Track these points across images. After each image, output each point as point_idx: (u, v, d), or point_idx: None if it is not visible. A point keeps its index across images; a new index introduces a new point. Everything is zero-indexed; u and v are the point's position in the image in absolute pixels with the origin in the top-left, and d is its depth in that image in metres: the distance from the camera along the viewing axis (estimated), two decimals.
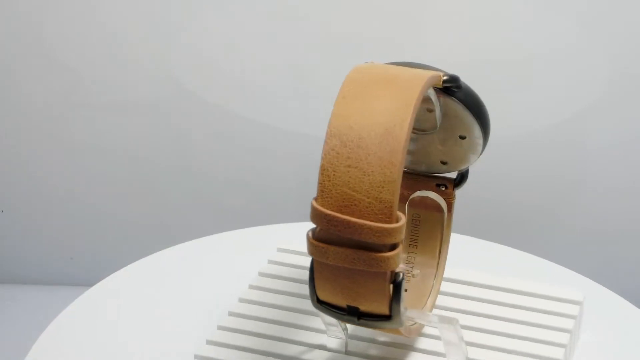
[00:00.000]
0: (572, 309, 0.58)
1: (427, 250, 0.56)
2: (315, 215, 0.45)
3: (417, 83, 0.45)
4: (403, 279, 0.45)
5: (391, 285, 0.45)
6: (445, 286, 0.59)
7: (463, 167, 0.54)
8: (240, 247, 0.70)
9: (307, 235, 0.45)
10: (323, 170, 0.45)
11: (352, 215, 0.44)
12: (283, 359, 0.55)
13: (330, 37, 0.95)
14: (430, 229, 0.56)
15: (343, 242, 0.45)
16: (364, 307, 0.46)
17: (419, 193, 0.55)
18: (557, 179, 0.99)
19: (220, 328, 0.57)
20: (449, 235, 0.56)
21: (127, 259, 0.73)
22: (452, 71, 0.50)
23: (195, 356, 0.55)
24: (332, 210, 0.44)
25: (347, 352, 0.54)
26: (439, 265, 0.56)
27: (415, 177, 0.55)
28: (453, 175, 0.55)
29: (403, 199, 0.56)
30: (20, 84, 1.00)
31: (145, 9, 0.96)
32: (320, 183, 0.45)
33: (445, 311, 0.57)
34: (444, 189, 0.55)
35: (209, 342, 0.56)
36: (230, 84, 0.98)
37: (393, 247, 0.44)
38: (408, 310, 0.50)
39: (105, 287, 0.65)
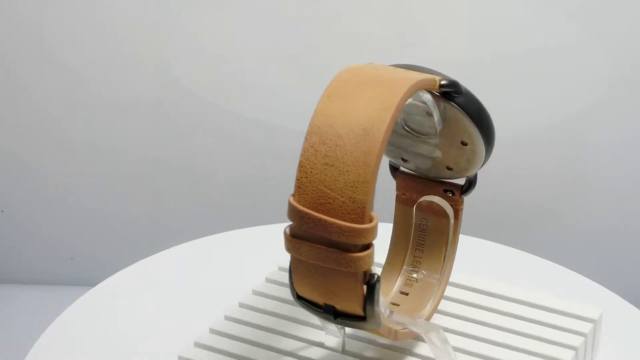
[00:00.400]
0: (583, 326, 0.56)
1: (433, 255, 0.56)
2: (291, 212, 0.45)
3: (403, 86, 0.45)
4: (378, 280, 0.45)
5: (365, 286, 0.45)
6: (454, 292, 0.58)
7: (468, 174, 0.53)
8: (244, 246, 0.70)
9: (284, 231, 0.46)
10: (301, 166, 0.45)
11: (326, 213, 0.44)
12: (281, 352, 0.55)
13: (331, 36, 0.95)
14: (436, 235, 0.55)
15: (316, 240, 0.45)
16: (339, 306, 0.46)
17: (426, 198, 0.55)
18: (558, 178, 0.99)
19: (227, 318, 0.57)
20: (455, 243, 0.55)
21: (127, 259, 0.73)
22: (453, 70, 0.50)
23: (196, 344, 0.56)
24: (307, 208, 0.44)
25: (343, 352, 0.54)
26: (443, 271, 0.55)
27: (424, 181, 0.55)
28: (462, 181, 0.54)
29: (411, 203, 0.55)
30: (20, 84, 1.01)
31: (145, 9, 0.96)
32: (298, 179, 0.45)
33: (449, 317, 0.57)
34: (451, 195, 0.54)
35: (212, 331, 0.56)
36: (230, 84, 0.98)
37: (365, 247, 0.44)
38: (394, 314, 0.50)
39: (106, 288, 0.65)
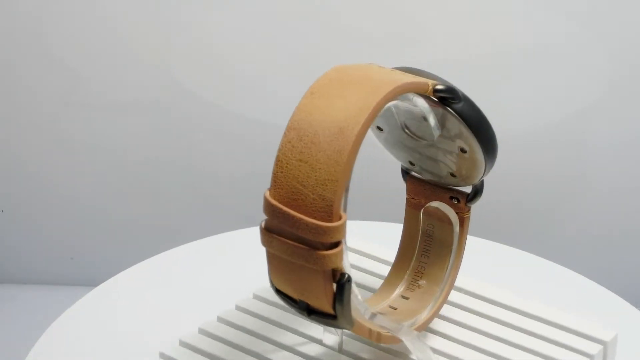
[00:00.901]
0: (591, 347, 0.54)
1: (437, 262, 0.55)
2: (265, 206, 0.45)
3: (386, 87, 0.45)
4: (349, 280, 0.45)
5: (335, 285, 0.45)
6: (458, 298, 0.58)
7: (472, 182, 0.53)
8: (245, 246, 0.69)
9: (260, 224, 0.46)
10: (277, 161, 0.45)
11: (297, 209, 0.44)
12: (279, 346, 0.55)
13: (331, 36, 0.95)
14: (442, 241, 0.55)
15: (287, 235, 0.45)
16: (312, 302, 0.46)
17: (432, 203, 0.55)
18: (558, 178, 0.99)
19: (238, 309, 0.57)
20: (461, 251, 0.55)
21: (127, 258, 0.73)
22: (453, 69, 0.50)
23: (200, 330, 0.56)
24: (280, 202, 0.45)
25: (340, 351, 0.54)
26: (446, 279, 0.55)
27: (432, 187, 0.55)
28: (469, 189, 0.54)
29: (419, 207, 0.55)
30: (20, 84, 1.01)
31: (145, 8, 0.96)
32: (274, 174, 0.45)
33: (449, 323, 0.56)
34: (456, 202, 0.54)
35: (219, 320, 0.56)
36: (230, 84, 0.98)
37: (333, 245, 0.44)
38: (378, 317, 0.50)
39: (107, 289, 0.65)
